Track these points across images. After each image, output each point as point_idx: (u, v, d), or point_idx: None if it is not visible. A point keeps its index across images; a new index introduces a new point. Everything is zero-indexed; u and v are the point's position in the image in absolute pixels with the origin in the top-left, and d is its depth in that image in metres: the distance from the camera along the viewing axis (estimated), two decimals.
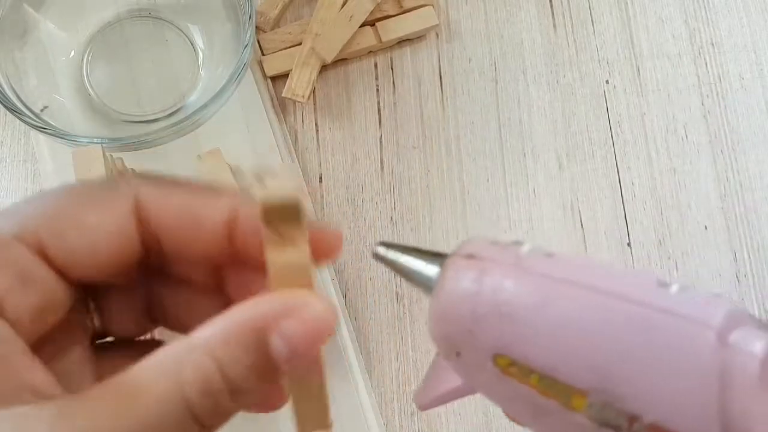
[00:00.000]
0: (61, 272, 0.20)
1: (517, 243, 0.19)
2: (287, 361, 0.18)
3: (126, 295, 0.23)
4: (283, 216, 0.19)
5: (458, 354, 0.19)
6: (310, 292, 0.19)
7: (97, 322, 0.23)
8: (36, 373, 0.18)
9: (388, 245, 0.20)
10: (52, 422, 0.17)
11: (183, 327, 0.24)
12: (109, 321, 0.23)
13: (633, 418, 0.17)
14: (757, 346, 0.16)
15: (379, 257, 0.20)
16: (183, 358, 0.18)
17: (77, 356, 0.21)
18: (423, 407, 0.22)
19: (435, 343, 0.19)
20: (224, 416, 0.19)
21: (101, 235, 0.19)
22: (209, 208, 0.20)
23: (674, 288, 0.17)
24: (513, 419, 0.21)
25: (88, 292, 0.22)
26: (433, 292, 0.19)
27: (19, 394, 0.17)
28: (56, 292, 0.20)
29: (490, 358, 0.18)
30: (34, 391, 0.18)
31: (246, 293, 0.21)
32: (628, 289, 0.17)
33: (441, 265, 0.19)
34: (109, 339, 0.23)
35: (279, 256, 0.19)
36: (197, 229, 0.20)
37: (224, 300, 0.23)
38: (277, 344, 0.18)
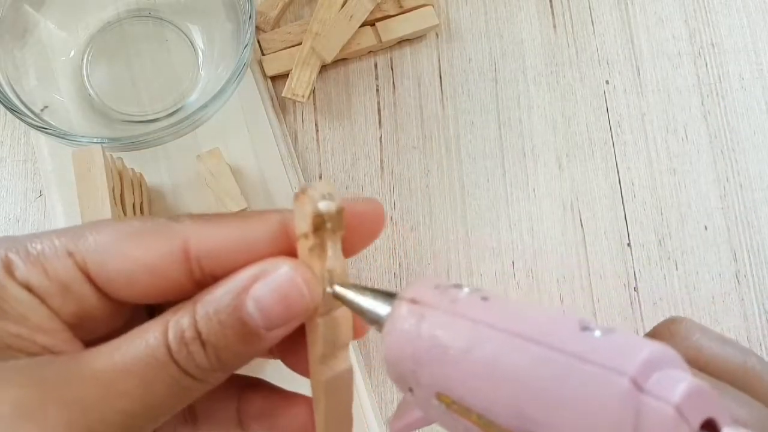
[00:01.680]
0: (103, 292, 0.22)
1: (458, 286, 0.20)
2: (266, 328, 0.20)
3: None
4: (331, 223, 0.21)
5: (411, 390, 0.20)
6: (293, 261, 0.21)
7: None
8: (54, 335, 0.21)
9: (346, 285, 0.22)
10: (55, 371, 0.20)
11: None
12: None
13: None
14: (675, 391, 0.16)
15: (337, 296, 0.21)
16: (176, 311, 0.21)
17: None
18: None
19: (392, 381, 0.21)
20: (208, 370, 0.21)
21: (140, 269, 0.21)
22: (259, 225, 0.22)
23: (597, 333, 0.17)
24: None
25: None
26: (382, 333, 0.20)
27: (28, 347, 0.20)
28: (95, 307, 0.22)
29: (434, 395, 0.19)
30: (45, 347, 0.21)
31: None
32: (549, 334, 0.18)
33: (390, 305, 0.21)
34: None
35: (321, 263, 0.21)
36: (252, 245, 0.22)
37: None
38: (251, 308, 0.20)
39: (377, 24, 0.44)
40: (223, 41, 0.43)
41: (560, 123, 0.45)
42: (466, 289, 0.20)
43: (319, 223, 0.21)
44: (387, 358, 0.20)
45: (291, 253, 0.22)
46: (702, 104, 0.45)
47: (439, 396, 0.19)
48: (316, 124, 0.44)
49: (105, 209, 0.34)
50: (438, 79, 0.45)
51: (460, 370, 0.18)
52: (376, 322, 0.20)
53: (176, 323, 0.21)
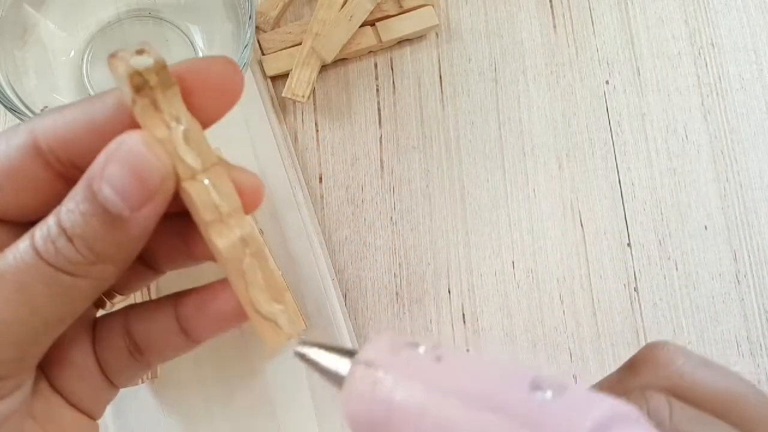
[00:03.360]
0: None
1: (414, 344, 0.20)
2: (130, 208, 0.20)
3: None
4: (154, 80, 0.20)
5: None
6: (135, 132, 0.20)
7: None
8: None
9: (307, 343, 0.21)
10: None
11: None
12: None
13: None
14: None
15: (299, 356, 0.21)
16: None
17: None
18: None
19: None
20: (84, 264, 0.20)
21: None
22: (102, 105, 0.21)
23: (548, 394, 0.17)
24: None
25: None
26: (340, 395, 0.20)
27: None
28: None
29: None
30: None
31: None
32: (499, 398, 0.18)
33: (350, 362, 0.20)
34: None
35: (164, 126, 0.20)
36: (100, 125, 0.21)
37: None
38: (107, 192, 0.20)
39: (377, 24, 0.44)
40: (223, 41, 0.43)
41: (560, 123, 0.45)
42: (421, 348, 0.20)
43: (140, 83, 0.20)
44: (346, 421, 0.20)
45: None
46: (702, 104, 0.45)
47: None
48: (316, 124, 0.44)
49: None
50: (438, 79, 0.45)
51: None
52: (338, 381, 0.20)
53: (42, 224, 0.20)
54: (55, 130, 0.21)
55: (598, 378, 0.28)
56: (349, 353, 0.21)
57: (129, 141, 0.20)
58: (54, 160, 0.21)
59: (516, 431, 0.17)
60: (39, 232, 0.20)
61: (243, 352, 0.39)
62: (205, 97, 0.22)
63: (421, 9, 0.45)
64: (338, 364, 0.20)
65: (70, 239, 0.20)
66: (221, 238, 0.21)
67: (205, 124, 0.22)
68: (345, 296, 0.41)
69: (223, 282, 0.24)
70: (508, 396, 0.17)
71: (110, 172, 0.20)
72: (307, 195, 0.43)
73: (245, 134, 0.42)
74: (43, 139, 0.21)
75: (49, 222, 0.20)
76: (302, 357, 0.21)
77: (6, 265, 0.20)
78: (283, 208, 0.42)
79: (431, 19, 0.45)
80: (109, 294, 0.26)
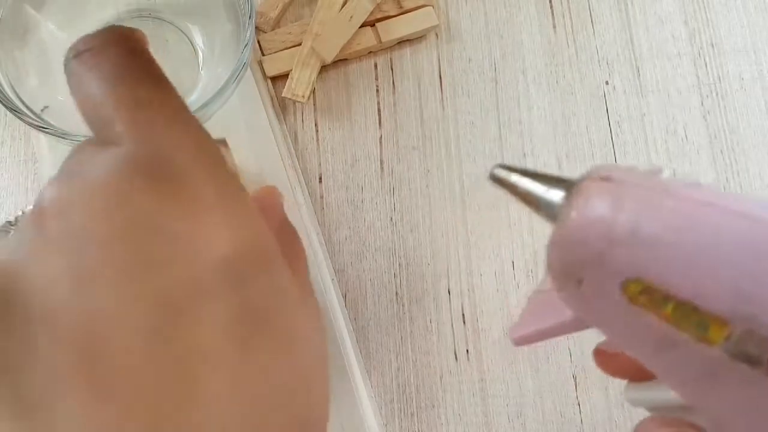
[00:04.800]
0: None
1: (656, 170, 0.18)
2: None
3: None
4: None
5: (579, 282, 0.18)
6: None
7: None
8: None
9: (509, 168, 0.19)
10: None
11: None
12: None
13: None
14: None
15: (497, 180, 0.19)
16: None
17: None
18: (519, 341, 0.21)
19: (552, 273, 0.18)
20: None
21: None
22: None
23: None
24: (605, 366, 0.19)
25: None
26: (560, 216, 0.18)
27: None
28: None
29: (619, 285, 0.17)
30: None
31: None
32: None
33: (567, 189, 0.18)
34: None
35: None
36: None
37: None
38: None
39: (377, 24, 0.45)
40: (223, 41, 0.43)
41: (560, 123, 0.45)
42: (666, 172, 0.18)
43: None
44: (563, 244, 0.17)
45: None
46: (702, 104, 0.45)
47: (627, 285, 0.17)
48: (316, 125, 0.44)
49: None
50: (438, 79, 0.46)
51: (673, 251, 0.16)
52: (548, 208, 0.18)
53: None
54: None
55: None
56: (563, 180, 0.18)
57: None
58: None
59: None
60: None
61: None
62: None
63: (421, 9, 0.45)
64: (550, 190, 0.18)
65: None
66: None
67: None
68: (345, 296, 0.41)
69: None
70: None
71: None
72: (307, 195, 0.43)
73: (245, 134, 0.42)
74: None
75: None
76: (502, 183, 0.19)
77: None
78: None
79: (431, 20, 0.45)
80: None
